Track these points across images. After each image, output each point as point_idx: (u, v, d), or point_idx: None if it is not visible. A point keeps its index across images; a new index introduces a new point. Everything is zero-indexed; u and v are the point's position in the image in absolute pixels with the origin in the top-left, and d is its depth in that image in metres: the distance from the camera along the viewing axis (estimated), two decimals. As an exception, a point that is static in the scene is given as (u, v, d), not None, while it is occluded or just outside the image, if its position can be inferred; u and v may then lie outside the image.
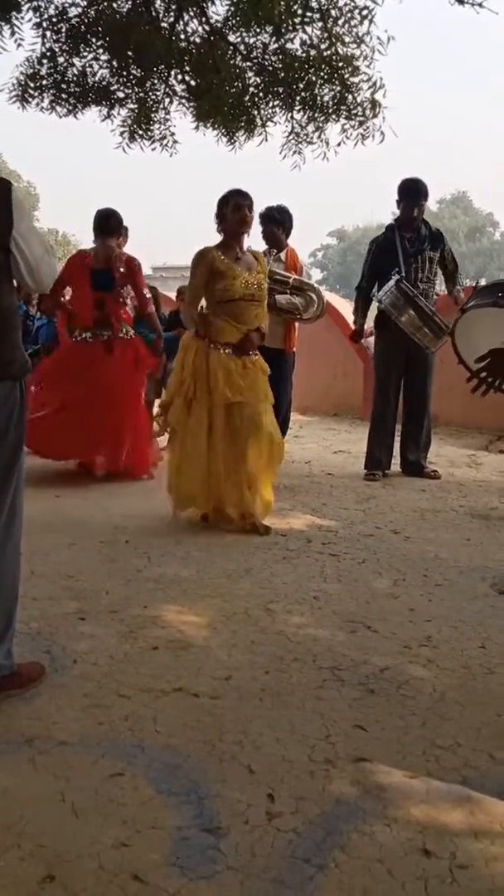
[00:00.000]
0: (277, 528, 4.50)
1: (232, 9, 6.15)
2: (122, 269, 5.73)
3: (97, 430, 5.64)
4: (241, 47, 6.41)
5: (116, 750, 2.20)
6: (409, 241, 5.70)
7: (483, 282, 4.83)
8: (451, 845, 1.82)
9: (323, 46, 6.00)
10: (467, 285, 6.13)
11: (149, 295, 5.98)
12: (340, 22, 5.91)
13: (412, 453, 5.99)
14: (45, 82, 6.53)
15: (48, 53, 6.41)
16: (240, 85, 6.51)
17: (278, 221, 6.39)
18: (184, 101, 6.76)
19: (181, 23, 6.44)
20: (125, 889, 1.67)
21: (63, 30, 6.34)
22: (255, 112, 6.58)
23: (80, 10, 6.32)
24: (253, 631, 3.05)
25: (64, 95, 6.61)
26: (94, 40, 6.36)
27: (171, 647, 2.89)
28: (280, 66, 6.26)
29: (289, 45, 6.18)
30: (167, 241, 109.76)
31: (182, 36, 6.48)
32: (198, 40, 6.50)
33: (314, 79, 6.15)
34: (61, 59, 6.47)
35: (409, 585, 3.61)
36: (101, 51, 6.42)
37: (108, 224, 5.80)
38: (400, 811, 1.94)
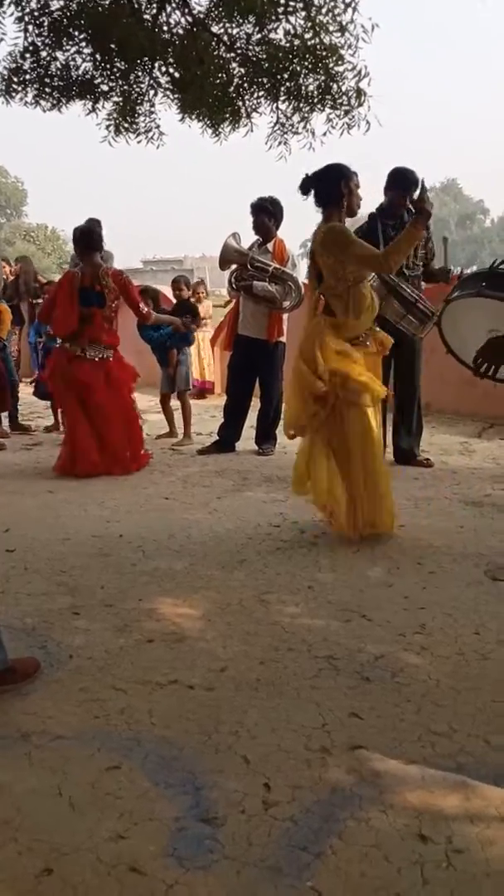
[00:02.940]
0: (271, 519, 4.50)
1: (214, -1, 6.14)
2: (111, 285, 5.86)
3: (95, 445, 5.85)
4: (225, 38, 6.39)
5: (112, 743, 2.21)
6: (393, 228, 5.68)
7: (473, 269, 4.83)
8: (447, 830, 1.83)
9: (307, 36, 5.99)
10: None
11: (145, 309, 6.15)
12: (324, 11, 5.90)
13: (404, 441, 6.00)
14: (28, 76, 6.50)
15: (31, 47, 6.37)
16: (224, 76, 6.49)
17: (270, 212, 6.40)
18: (168, 93, 6.74)
19: (164, 14, 6.41)
20: (122, 881, 1.68)
21: (45, 23, 6.30)
22: (240, 103, 6.58)
23: (62, 3, 6.28)
24: (247, 622, 3.06)
25: (48, 89, 6.59)
26: (76, 34, 6.33)
27: (166, 639, 2.90)
28: (264, 56, 6.24)
29: (272, 36, 6.17)
30: (156, 235, 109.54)
31: (165, 28, 6.46)
32: (181, 32, 6.47)
33: (298, 69, 6.14)
34: (44, 53, 6.44)
35: (403, 574, 3.62)
36: (84, 44, 6.38)
37: (91, 239, 5.98)
38: (396, 797, 1.95)
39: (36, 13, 6.24)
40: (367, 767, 2.08)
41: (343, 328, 4.07)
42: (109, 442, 5.88)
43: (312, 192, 4.11)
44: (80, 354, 5.85)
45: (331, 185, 4.05)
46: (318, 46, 5.98)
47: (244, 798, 1.95)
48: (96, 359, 5.87)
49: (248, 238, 6.58)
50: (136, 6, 6.33)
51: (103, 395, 5.86)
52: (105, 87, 6.65)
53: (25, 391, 8.58)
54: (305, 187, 4.11)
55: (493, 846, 1.77)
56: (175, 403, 7.38)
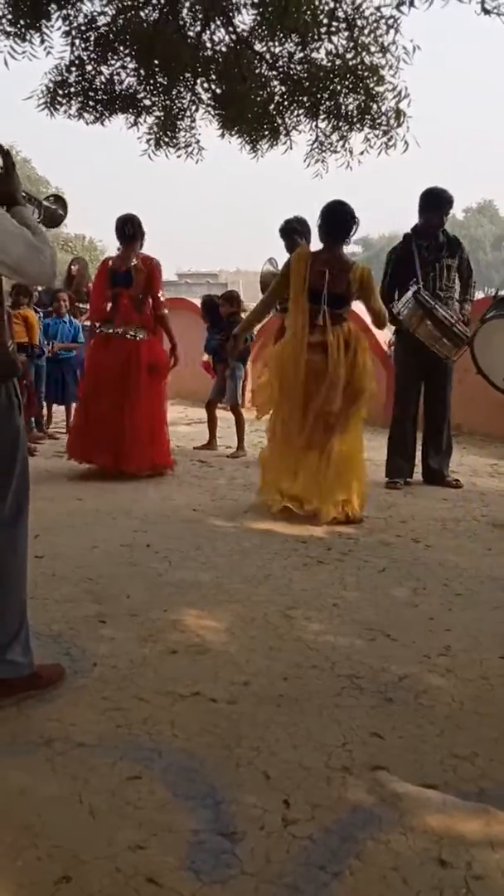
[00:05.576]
0: (297, 534, 4.50)
1: (258, 18, 6.20)
2: (140, 267, 5.95)
3: (115, 431, 5.87)
4: (267, 56, 6.46)
5: (134, 753, 2.21)
6: (427, 249, 5.68)
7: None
8: (467, 855, 1.81)
9: (348, 56, 6.04)
10: (488, 294, 6.09)
11: (163, 297, 6.18)
12: (366, 31, 5.93)
13: (433, 461, 5.97)
14: (73, 90, 6.62)
15: (76, 61, 6.49)
16: (265, 94, 6.56)
17: (299, 232, 6.46)
18: (209, 108, 6.81)
19: (208, 32, 6.50)
20: (140, 891, 1.68)
21: (91, 38, 6.42)
22: (280, 120, 6.63)
23: (108, 19, 6.39)
24: (271, 637, 3.05)
25: (91, 103, 6.70)
26: (121, 49, 6.44)
27: (189, 651, 2.90)
28: (305, 75, 6.30)
29: (314, 55, 6.23)
30: (191, 248, 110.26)
31: (208, 45, 6.55)
32: (224, 49, 6.55)
33: (339, 88, 6.19)
34: (89, 67, 6.56)
35: (429, 594, 3.60)
36: (128, 59, 6.50)
37: (132, 227, 6.05)
38: (416, 820, 1.93)
39: (83, 28, 6.36)
40: (387, 788, 2.07)
41: None
42: (130, 433, 5.86)
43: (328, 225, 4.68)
44: (112, 334, 5.94)
45: (350, 222, 4.70)
46: (359, 66, 6.02)
47: (264, 814, 1.94)
48: (128, 335, 5.92)
49: (282, 258, 6.62)
50: (180, 23, 6.41)
51: (130, 381, 5.88)
52: (147, 102, 6.76)
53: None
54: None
55: (513, 874, 1.75)
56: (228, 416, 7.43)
